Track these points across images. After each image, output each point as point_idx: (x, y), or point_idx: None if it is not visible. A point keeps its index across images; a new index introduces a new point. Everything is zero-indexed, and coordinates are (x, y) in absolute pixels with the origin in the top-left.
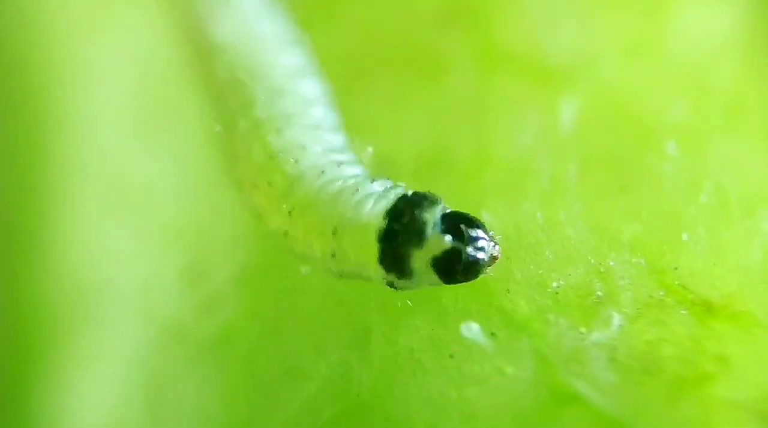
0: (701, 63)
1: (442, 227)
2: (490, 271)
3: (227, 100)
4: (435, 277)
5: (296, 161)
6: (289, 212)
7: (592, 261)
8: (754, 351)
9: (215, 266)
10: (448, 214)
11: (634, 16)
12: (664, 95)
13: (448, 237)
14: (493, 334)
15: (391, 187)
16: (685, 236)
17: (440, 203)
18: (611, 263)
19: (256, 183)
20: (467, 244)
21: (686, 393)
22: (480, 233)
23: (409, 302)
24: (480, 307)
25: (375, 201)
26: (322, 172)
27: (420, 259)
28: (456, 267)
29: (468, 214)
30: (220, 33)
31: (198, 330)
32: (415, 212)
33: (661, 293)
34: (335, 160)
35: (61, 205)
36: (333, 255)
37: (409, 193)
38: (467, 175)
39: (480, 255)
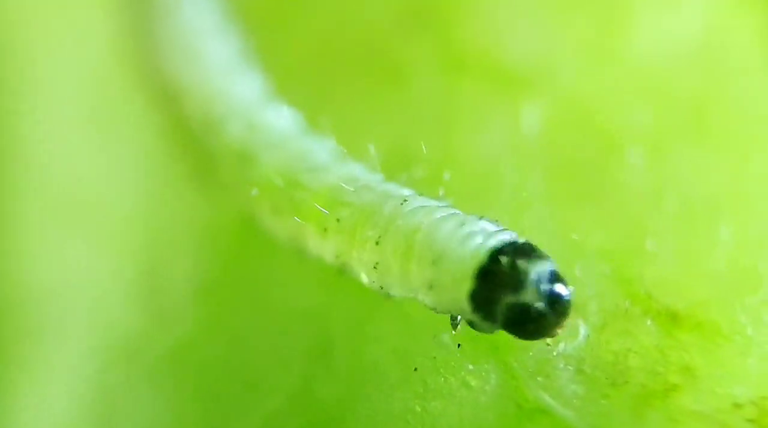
0: (662, 70)
1: (545, 286)
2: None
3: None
4: (500, 324)
5: (357, 191)
6: (377, 242)
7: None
8: (718, 362)
9: (171, 277)
10: (555, 272)
11: (596, 23)
12: (626, 102)
13: (544, 298)
14: (458, 346)
15: (501, 230)
16: (650, 244)
17: (548, 259)
18: (577, 272)
19: (323, 224)
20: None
21: (652, 405)
22: (562, 298)
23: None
24: (445, 318)
25: (483, 238)
26: (405, 200)
27: (502, 306)
28: (526, 323)
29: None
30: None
31: (152, 343)
32: (521, 260)
33: (627, 303)
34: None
35: (7, 212)
36: (431, 287)
37: (521, 240)
38: (432, 181)
39: (554, 326)
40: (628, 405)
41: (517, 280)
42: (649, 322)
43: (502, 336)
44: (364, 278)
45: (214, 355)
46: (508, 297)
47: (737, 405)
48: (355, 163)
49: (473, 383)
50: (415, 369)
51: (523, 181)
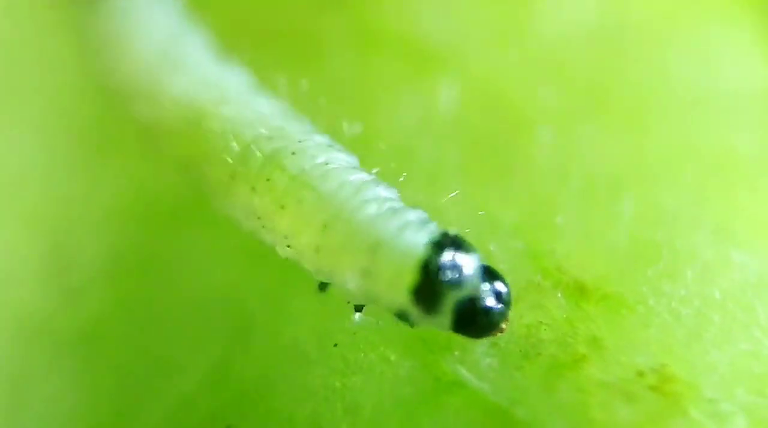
0: (565, 50)
1: (481, 276)
2: (496, 333)
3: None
4: (448, 321)
5: (324, 177)
6: (324, 226)
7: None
8: (623, 332)
9: (82, 254)
10: (486, 266)
11: (503, 3)
12: (532, 82)
13: (486, 286)
14: (377, 322)
15: (427, 221)
16: (559, 220)
17: (477, 252)
18: (492, 248)
19: (283, 204)
20: (496, 300)
21: (563, 376)
22: (504, 292)
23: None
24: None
25: (416, 229)
26: (358, 190)
27: (449, 300)
28: (477, 318)
29: (499, 272)
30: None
31: (63, 322)
32: (459, 252)
33: (538, 277)
34: (363, 178)
35: None
36: (365, 274)
37: (450, 232)
38: None
39: (498, 315)
40: (540, 377)
41: (458, 271)
42: (559, 295)
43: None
44: (308, 262)
45: (127, 334)
46: (450, 289)
47: (640, 374)
48: (311, 125)
49: (392, 357)
50: (335, 345)
51: (438, 158)
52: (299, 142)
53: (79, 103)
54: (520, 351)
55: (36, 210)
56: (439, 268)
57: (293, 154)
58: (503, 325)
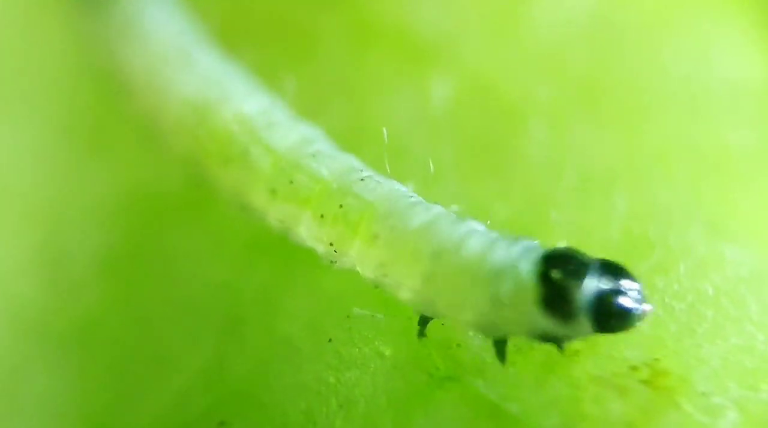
0: (559, 46)
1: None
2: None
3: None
4: (589, 322)
5: (412, 209)
6: (434, 256)
7: None
8: None
9: (77, 250)
10: (606, 262)
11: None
12: (527, 77)
13: (608, 280)
14: (373, 316)
15: (524, 239)
16: (553, 215)
17: (585, 255)
18: None
19: (376, 233)
20: (625, 293)
21: (555, 371)
22: (635, 285)
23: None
24: (359, 290)
25: (522, 250)
26: (454, 222)
27: (580, 301)
28: (614, 309)
29: (616, 262)
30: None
31: (58, 317)
32: (569, 255)
33: None
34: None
35: None
36: (493, 303)
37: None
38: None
39: (636, 305)
40: (533, 372)
41: (579, 270)
42: None
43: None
44: (320, 248)
45: (121, 329)
46: (577, 288)
47: (633, 368)
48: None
49: (387, 353)
50: (330, 341)
51: (432, 152)
52: (361, 170)
53: (73, 97)
54: (514, 346)
55: (29, 203)
56: (559, 271)
57: (362, 180)
58: (644, 308)
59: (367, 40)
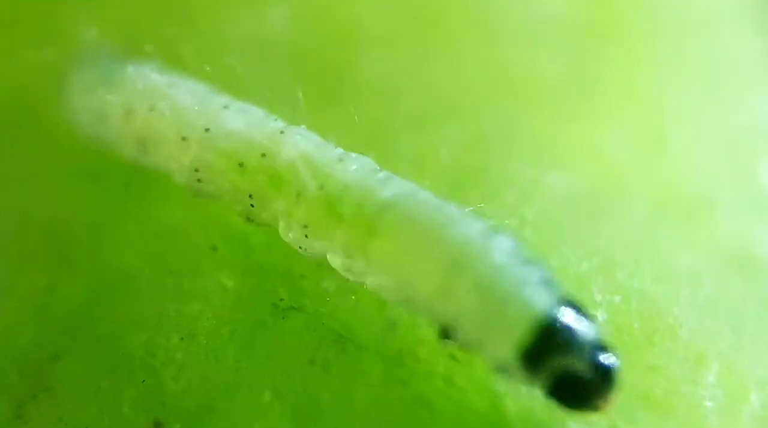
0: None
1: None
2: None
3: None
4: (545, 388)
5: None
6: (453, 266)
7: None
8: None
9: None
10: (600, 339)
11: None
12: (359, 4)
13: (593, 360)
14: (214, 248)
15: (551, 280)
16: (393, 143)
17: (595, 322)
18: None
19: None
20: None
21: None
22: (613, 370)
23: None
24: (202, 220)
25: (537, 288)
26: (484, 235)
27: (552, 368)
28: (576, 393)
29: (612, 348)
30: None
31: None
32: (576, 321)
33: None
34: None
35: None
36: (483, 319)
37: (570, 297)
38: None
39: (598, 395)
40: (375, 300)
41: (573, 345)
42: None
43: (257, 238)
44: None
45: None
46: (561, 361)
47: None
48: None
49: (230, 285)
50: (170, 272)
51: (269, 80)
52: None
53: None
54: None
55: None
56: (553, 336)
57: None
58: (603, 404)
59: None
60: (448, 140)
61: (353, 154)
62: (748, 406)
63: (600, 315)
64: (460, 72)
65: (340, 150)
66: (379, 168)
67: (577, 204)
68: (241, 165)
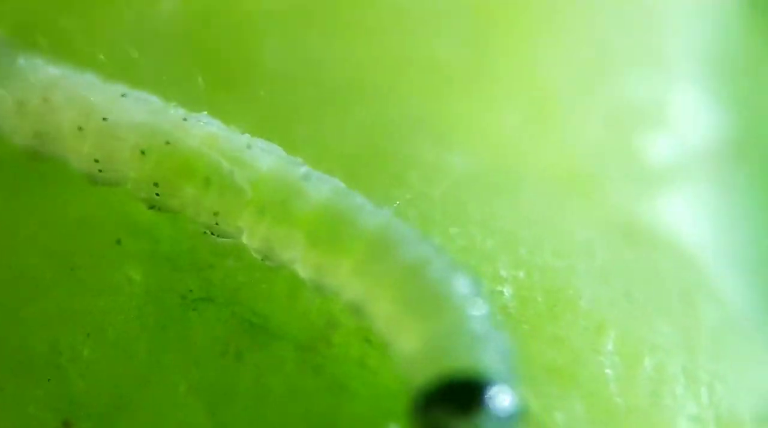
0: None
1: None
2: None
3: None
4: None
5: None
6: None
7: None
8: None
9: None
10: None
11: None
12: None
13: None
14: (118, 241)
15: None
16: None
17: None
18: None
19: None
20: None
21: (306, 284)
22: None
23: None
24: (104, 213)
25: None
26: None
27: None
28: None
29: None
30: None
31: None
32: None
33: None
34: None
35: None
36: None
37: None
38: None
39: None
40: (286, 287)
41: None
42: None
43: (162, 230)
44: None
45: None
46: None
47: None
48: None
49: (136, 278)
50: (73, 269)
51: (165, 65)
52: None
53: None
54: (262, 259)
55: None
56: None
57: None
58: None
59: None
60: (350, 125)
61: (260, 140)
62: (642, 371)
63: (506, 290)
64: (360, 57)
65: (247, 136)
66: (286, 153)
67: (479, 184)
68: (143, 152)
